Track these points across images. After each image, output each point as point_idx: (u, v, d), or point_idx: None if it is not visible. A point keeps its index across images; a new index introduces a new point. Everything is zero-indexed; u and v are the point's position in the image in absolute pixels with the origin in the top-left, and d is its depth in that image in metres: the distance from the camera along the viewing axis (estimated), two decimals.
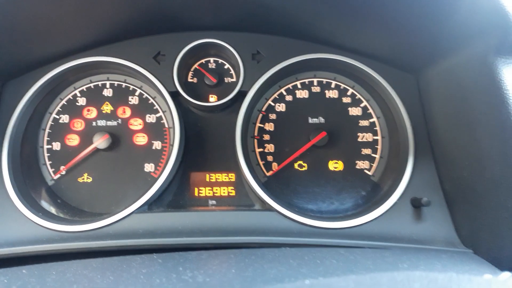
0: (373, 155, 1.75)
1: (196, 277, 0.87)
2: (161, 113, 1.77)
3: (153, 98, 1.78)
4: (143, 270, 0.96)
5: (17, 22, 1.41)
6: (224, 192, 1.72)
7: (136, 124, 1.76)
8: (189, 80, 1.81)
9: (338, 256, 1.08)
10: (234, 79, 1.81)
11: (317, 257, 1.05)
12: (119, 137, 1.73)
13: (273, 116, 1.78)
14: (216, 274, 0.92)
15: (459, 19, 1.28)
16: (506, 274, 0.91)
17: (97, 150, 1.70)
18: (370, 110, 1.79)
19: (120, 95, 1.78)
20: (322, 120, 1.77)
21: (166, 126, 1.76)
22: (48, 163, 1.72)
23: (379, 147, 1.75)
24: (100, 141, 1.67)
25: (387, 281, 0.71)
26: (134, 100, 1.78)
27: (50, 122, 1.75)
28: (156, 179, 1.61)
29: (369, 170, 1.73)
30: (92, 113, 1.76)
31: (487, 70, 1.24)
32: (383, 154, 1.75)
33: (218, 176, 1.73)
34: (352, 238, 1.46)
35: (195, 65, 1.82)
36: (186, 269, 0.93)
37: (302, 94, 1.80)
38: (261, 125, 1.77)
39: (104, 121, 1.75)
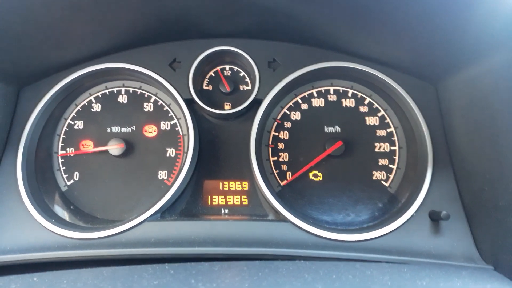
0: (391, 165, 1.71)
1: None
2: (175, 120, 1.76)
3: (168, 105, 1.78)
4: (154, 282, 0.94)
5: (34, 29, 1.42)
6: (237, 201, 1.70)
7: (151, 131, 1.75)
8: (204, 87, 1.80)
9: (354, 271, 1.05)
10: (249, 87, 1.80)
11: (332, 271, 1.02)
12: (133, 144, 1.73)
13: (288, 125, 1.76)
14: None
15: (481, 28, 1.24)
16: None
17: (111, 156, 1.69)
18: (388, 120, 1.75)
19: (135, 102, 1.78)
20: (338, 129, 1.74)
21: (181, 133, 1.75)
22: (62, 169, 1.72)
23: (396, 157, 1.72)
24: (114, 147, 1.66)
25: None
26: (149, 107, 1.78)
27: (65, 128, 1.76)
28: (169, 187, 1.60)
29: (386, 181, 1.70)
30: (106, 119, 1.76)
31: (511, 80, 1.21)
32: (400, 165, 1.71)
33: (232, 184, 1.71)
34: (368, 251, 1.43)
35: (211, 73, 1.81)
36: (198, 282, 0.91)
37: (318, 102, 1.78)
38: (276, 134, 1.75)
39: (119, 127, 1.75)
